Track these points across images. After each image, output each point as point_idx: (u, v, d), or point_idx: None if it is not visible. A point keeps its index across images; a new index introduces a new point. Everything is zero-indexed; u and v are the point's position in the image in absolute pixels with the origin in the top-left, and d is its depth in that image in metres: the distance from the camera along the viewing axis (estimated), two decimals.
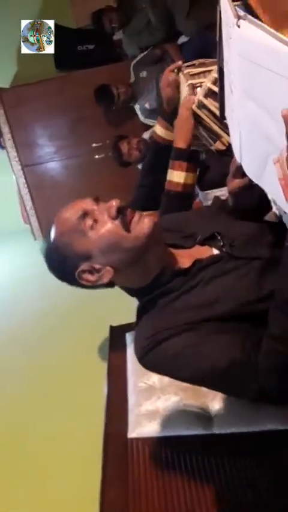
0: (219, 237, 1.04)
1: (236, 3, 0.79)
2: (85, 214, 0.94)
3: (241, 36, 0.67)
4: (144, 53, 3.28)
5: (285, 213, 0.84)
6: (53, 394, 2.17)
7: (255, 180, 0.76)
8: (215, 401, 1.55)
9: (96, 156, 3.79)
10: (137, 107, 3.33)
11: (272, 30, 0.61)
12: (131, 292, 1.06)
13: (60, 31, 3.75)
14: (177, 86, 1.42)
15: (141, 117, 3.35)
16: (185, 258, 1.01)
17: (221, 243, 1.02)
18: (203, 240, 1.05)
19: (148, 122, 3.31)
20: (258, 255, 0.98)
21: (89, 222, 0.93)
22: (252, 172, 0.78)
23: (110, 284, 1.00)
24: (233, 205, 1.18)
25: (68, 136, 3.83)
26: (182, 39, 3.07)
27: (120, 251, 0.93)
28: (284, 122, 0.57)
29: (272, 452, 1.33)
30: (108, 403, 1.75)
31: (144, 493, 1.35)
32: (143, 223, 0.93)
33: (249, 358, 0.81)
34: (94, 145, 3.78)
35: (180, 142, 1.34)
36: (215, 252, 1.02)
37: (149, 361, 0.93)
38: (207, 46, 2.47)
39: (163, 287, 0.98)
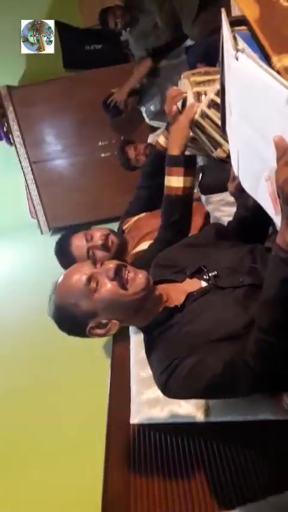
0: (205, 270, 1.14)
1: (237, 28, 0.87)
2: (89, 279, 1.07)
3: (239, 67, 0.75)
4: None
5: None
6: (60, 382, 2.23)
7: (251, 194, 0.84)
8: None
9: (102, 155, 3.85)
10: (142, 109, 3.36)
11: (265, 65, 0.70)
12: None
13: (66, 30, 3.77)
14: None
15: (147, 119, 3.38)
16: (178, 293, 1.13)
17: (207, 277, 1.13)
18: (191, 273, 1.16)
19: (154, 123, 3.34)
20: (241, 283, 1.08)
21: (93, 285, 1.06)
22: (248, 186, 0.87)
23: (118, 331, 1.12)
24: (242, 207, 1.29)
25: (75, 135, 3.88)
26: (188, 42, 3.10)
27: (122, 307, 1.07)
28: (275, 146, 0.66)
29: (262, 439, 1.40)
30: (111, 391, 1.82)
31: (145, 474, 1.42)
32: (138, 279, 1.06)
33: (239, 356, 0.91)
34: (100, 143, 3.84)
35: (175, 150, 1.39)
36: (203, 284, 1.13)
37: (171, 390, 1.05)
38: (211, 52, 2.51)
39: (164, 325, 1.10)
